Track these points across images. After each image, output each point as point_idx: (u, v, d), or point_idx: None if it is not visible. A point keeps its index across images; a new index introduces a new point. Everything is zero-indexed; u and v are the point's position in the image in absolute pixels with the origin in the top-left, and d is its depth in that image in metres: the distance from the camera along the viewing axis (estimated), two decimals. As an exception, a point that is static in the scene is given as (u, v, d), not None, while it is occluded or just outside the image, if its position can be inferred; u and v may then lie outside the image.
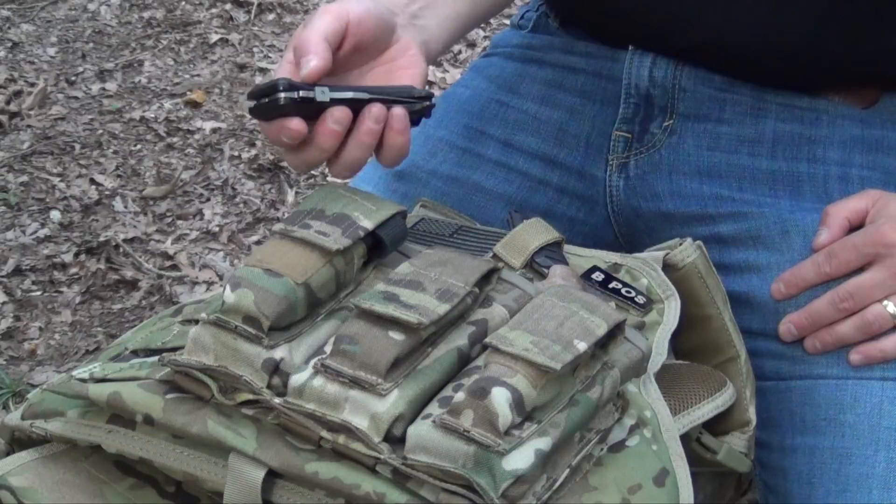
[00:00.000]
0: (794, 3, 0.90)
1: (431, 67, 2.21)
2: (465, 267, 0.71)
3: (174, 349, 0.71)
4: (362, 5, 0.82)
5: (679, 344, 0.85)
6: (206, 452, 0.67)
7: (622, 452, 0.69)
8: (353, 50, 0.82)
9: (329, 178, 1.94)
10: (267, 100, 0.76)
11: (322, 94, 0.76)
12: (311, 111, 0.77)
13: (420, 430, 0.63)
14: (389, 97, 0.79)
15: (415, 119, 0.81)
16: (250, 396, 0.66)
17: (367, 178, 1.07)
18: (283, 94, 0.75)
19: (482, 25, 2.35)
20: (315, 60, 0.77)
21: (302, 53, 0.78)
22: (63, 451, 0.72)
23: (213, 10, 2.43)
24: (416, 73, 0.84)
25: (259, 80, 2.18)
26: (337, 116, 0.77)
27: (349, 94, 0.77)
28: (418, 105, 0.81)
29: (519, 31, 1.12)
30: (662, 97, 0.98)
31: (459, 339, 0.68)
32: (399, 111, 0.79)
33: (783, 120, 0.96)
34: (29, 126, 2.05)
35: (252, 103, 0.78)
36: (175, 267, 1.75)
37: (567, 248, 0.85)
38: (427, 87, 0.84)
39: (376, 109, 0.78)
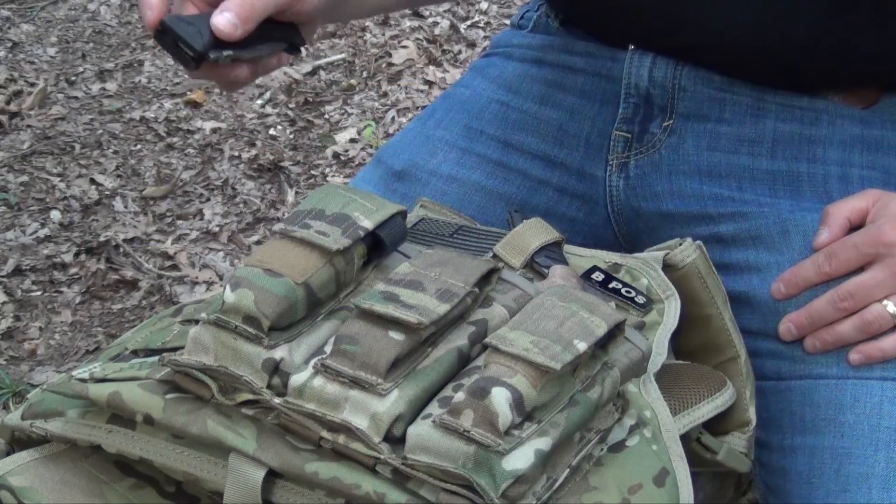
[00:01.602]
0: (794, 4, 0.90)
1: (432, 67, 2.21)
2: (465, 267, 0.71)
3: (174, 349, 0.70)
4: None
5: (679, 344, 0.85)
6: (206, 452, 0.67)
7: (622, 452, 0.69)
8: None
9: (329, 179, 1.94)
10: (174, 42, 0.82)
11: (225, 59, 0.84)
12: None
13: (420, 430, 0.63)
14: (276, 49, 0.88)
15: None
16: (250, 396, 0.66)
17: (367, 178, 1.07)
18: (192, 59, 0.82)
19: (482, 25, 2.35)
20: (239, 32, 0.80)
21: (229, 13, 0.80)
22: (63, 451, 0.72)
23: (213, 10, 2.43)
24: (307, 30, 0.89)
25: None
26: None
27: (246, 56, 0.85)
28: (292, 50, 0.90)
29: (519, 31, 1.12)
30: (662, 97, 0.98)
31: (459, 339, 0.68)
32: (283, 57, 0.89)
33: (783, 120, 0.96)
34: (29, 126, 2.05)
35: (160, 27, 0.82)
36: (175, 267, 1.75)
37: (567, 248, 0.85)
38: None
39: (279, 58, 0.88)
